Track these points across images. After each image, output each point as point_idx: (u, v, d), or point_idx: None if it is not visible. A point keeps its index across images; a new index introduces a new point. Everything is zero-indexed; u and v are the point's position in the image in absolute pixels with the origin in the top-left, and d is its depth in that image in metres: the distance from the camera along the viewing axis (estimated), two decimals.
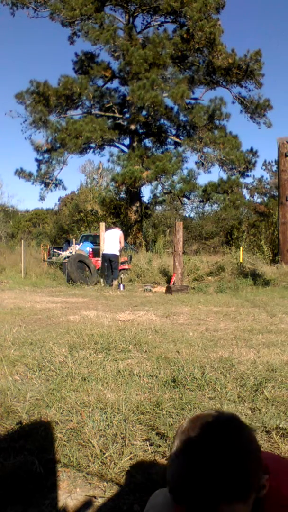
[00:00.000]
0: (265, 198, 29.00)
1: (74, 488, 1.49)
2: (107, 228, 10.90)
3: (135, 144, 20.33)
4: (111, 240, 10.32)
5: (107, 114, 20.60)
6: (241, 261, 11.36)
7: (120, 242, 10.35)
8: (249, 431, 0.83)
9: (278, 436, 1.84)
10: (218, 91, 32.35)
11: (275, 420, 1.96)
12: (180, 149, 20.76)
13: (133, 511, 1.36)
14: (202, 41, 18.18)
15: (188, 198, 21.08)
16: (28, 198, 62.94)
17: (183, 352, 3.20)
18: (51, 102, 19.24)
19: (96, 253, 12.68)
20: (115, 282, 10.06)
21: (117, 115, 20.85)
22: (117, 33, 18.89)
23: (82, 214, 26.97)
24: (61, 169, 20.95)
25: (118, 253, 10.36)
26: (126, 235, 16.96)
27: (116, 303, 6.73)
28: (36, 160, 21.01)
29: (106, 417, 1.99)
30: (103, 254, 10.49)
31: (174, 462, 0.80)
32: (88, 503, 1.41)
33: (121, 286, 9.87)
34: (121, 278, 10.50)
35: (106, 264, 10.40)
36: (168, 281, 10.29)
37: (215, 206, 23.49)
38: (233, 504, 0.76)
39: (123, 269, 11.27)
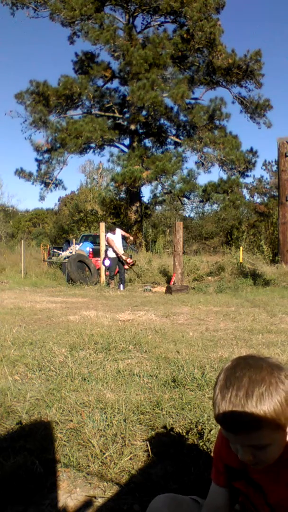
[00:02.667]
0: (265, 198, 28.99)
1: (74, 488, 1.49)
2: (110, 230, 10.69)
3: (135, 144, 20.33)
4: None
5: (107, 114, 20.61)
6: (241, 261, 11.36)
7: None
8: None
9: None
10: (218, 91, 32.54)
11: None
12: (180, 149, 20.79)
13: (133, 511, 1.36)
14: (202, 41, 18.19)
15: (188, 198, 21.09)
16: (28, 198, 62.87)
17: (183, 352, 3.20)
18: (51, 102, 19.25)
19: (96, 253, 12.67)
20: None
21: (117, 115, 20.86)
22: (117, 33, 18.89)
23: (82, 214, 26.98)
24: (61, 169, 21.00)
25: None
26: None
27: (116, 303, 6.73)
28: (36, 160, 21.06)
29: (106, 417, 1.99)
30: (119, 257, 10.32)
31: (223, 393, 0.88)
32: (88, 503, 1.41)
33: (121, 286, 9.87)
34: (121, 278, 10.49)
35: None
36: (168, 281, 10.29)
37: (215, 206, 23.52)
38: (272, 432, 0.84)
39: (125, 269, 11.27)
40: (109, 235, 10.33)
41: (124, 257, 10.20)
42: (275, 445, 0.87)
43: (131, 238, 10.56)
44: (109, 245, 10.24)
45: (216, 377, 0.93)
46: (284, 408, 0.83)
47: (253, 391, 0.83)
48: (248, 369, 0.86)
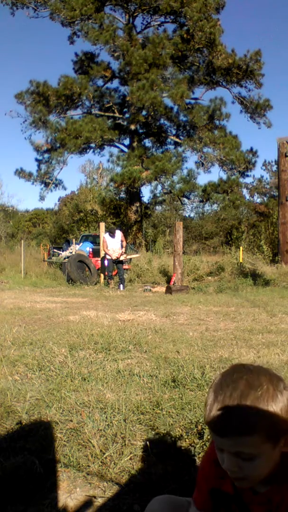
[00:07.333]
0: (265, 198, 28.97)
1: (74, 488, 1.49)
2: (110, 232, 10.58)
3: (135, 144, 20.33)
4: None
5: (107, 114, 20.61)
6: (241, 261, 11.37)
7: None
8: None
9: None
10: (218, 91, 32.45)
11: None
12: (180, 149, 20.79)
13: (133, 511, 1.36)
14: (202, 41, 18.19)
15: (188, 198, 21.10)
16: (28, 198, 63.03)
17: (183, 352, 3.20)
18: (51, 102, 19.24)
19: (96, 253, 12.67)
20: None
21: (117, 115, 20.85)
22: (117, 33, 18.89)
23: (82, 214, 26.98)
24: (61, 169, 21.00)
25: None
26: (126, 235, 16.95)
27: (116, 303, 6.73)
28: (36, 160, 21.05)
29: (106, 417, 1.99)
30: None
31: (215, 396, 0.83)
32: (88, 503, 1.41)
33: (121, 286, 9.87)
34: (120, 278, 10.49)
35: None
36: (168, 281, 10.30)
37: (215, 206, 23.54)
38: (263, 441, 0.78)
39: (124, 269, 11.27)
40: (106, 236, 10.28)
41: (116, 256, 10.12)
42: (262, 459, 0.80)
43: (123, 248, 10.35)
44: (101, 245, 10.20)
45: (215, 377, 0.90)
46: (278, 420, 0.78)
47: (249, 394, 0.78)
48: (246, 373, 0.82)
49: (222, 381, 0.83)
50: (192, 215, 31.24)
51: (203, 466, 0.98)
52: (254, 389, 0.79)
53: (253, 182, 29.43)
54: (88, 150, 21.17)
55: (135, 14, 20.33)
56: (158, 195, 21.64)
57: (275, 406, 0.78)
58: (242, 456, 0.80)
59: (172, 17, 19.80)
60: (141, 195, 21.77)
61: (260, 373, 0.83)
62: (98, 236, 12.38)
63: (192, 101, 20.56)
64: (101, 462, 1.63)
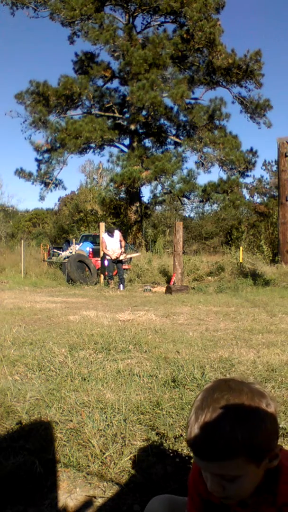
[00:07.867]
0: (265, 198, 28.95)
1: (74, 488, 1.49)
2: (108, 231, 10.57)
3: (135, 144, 20.33)
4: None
5: (107, 114, 20.61)
6: (241, 261, 11.37)
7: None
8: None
9: None
10: (218, 91, 32.50)
11: None
12: (180, 149, 20.80)
13: (133, 511, 1.36)
14: (202, 41, 18.19)
15: (188, 198, 21.10)
16: (28, 198, 63.05)
17: (183, 352, 3.20)
18: (51, 102, 19.25)
19: (96, 253, 12.67)
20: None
21: (117, 115, 20.86)
22: (117, 33, 18.90)
23: (82, 214, 26.98)
24: (61, 169, 21.01)
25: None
26: (126, 235, 16.96)
27: (116, 303, 6.74)
28: (36, 160, 21.06)
29: (106, 417, 1.99)
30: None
31: (197, 415, 0.80)
32: (88, 503, 1.41)
33: (121, 286, 9.87)
34: (120, 278, 10.50)
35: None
36: (168, 281, 10.30)
37: (215, 206, 23.52)
38: (246, 462, 0.77)
39: (124, 269, 11.27)
40: (105, 236, 10.29)
41: (115, 256, 10.11)
42: (247, 478, 0.79)
43: (122, 248, 10.32)
44: (100, 245, 10.23)
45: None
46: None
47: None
48: (227, 392, 0.80)
49: (203, 400, 0.81)
50: (192, 215, 31.27)
51: (192, 477, 0.97)
52: None
53: (253, 182, 29.42)
54: (88, 150, 21.20)
55: (135, 14, 20.33)
56: (158, 195, 21.65)
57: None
58: (226, 477, 0.79)
59: (172, 17, 19.80)
60: (141, 195, 21.79)
61: (242, 391, 0.80)
62: (98, 236, 12.39)
63: (192, 101, 20.58)
64: (101, 462, 1.62)
